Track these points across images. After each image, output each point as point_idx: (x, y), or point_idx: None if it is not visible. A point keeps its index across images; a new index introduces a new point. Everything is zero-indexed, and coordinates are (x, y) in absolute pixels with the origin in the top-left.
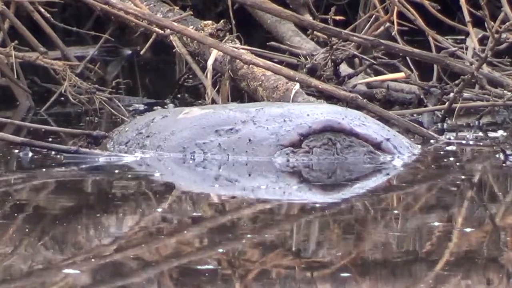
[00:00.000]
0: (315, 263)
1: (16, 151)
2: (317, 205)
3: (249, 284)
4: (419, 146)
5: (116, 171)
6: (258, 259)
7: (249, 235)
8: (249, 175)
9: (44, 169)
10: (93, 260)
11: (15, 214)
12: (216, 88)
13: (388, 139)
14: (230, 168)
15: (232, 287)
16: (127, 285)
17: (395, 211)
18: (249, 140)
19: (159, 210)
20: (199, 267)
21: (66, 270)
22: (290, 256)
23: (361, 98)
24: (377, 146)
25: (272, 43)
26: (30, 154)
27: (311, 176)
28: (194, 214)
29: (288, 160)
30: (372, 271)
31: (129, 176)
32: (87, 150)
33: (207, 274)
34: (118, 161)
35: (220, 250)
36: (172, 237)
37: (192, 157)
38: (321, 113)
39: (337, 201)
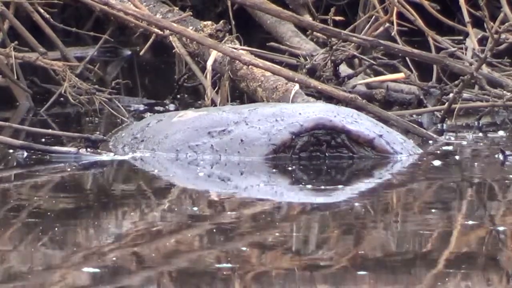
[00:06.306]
0: (312, 261)
1: (11, 150)
2: (311, 204)
3: (249, 284)
4: (412, 141)
5: (109, 173)
6: (257, 259)
7: (247, 235)
8: (241, 174)
9: (39, 168)
10: (93, 259)
11: (12, 214)
12: (215, 89)
13: (381, 136)
14: (222, 169)
15: (232, 287)
16: (127, 285)
17: (392, 210)
18: (241, 140)
19: (155, 211)
20: (199, 266)
21: (67, 270)
22: (287, 256)
23: (360, 98)
24: (370, 142)
25: (272, 43)
26: (25, 153)
27: (302, 175)
28: (191, 214)
29: (279, 160)
30: (371, 271)
31: (122, 177)
32: (88, 153)
33: (206, 274)
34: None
35: (219, 250)
36: (170, 237)
37: (185, 159)
38: (313, 111)
39: (331, 200)
